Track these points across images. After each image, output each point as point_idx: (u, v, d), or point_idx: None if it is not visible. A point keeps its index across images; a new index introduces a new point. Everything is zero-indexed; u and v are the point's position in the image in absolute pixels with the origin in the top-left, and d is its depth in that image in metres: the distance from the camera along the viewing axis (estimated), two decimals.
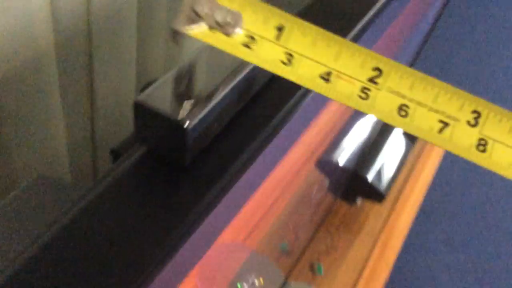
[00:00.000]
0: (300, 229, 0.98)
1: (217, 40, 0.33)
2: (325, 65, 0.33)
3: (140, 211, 0.31)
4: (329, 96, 0.32)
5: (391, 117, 0.32)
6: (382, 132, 1.11)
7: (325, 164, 0.91)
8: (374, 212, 1.12)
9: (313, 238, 1.06)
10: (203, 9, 0.34)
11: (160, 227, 0.29)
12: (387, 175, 1.05)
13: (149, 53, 1.02)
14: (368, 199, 1.08)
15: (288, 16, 0.34)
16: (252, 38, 0.33)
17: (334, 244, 1.08)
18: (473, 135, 0.31)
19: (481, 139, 0.31)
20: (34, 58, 0.74)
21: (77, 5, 0.77)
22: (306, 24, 0.34)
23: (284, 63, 0.33)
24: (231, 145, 0.36)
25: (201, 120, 0.32)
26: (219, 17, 0.34)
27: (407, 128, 0.32)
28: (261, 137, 0.39)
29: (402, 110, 0.32)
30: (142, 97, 0.33)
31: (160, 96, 0.33)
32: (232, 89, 0.35)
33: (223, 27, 0.33)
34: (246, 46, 0.33)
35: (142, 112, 0.32)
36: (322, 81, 0.32)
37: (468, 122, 0.31)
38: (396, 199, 1.10)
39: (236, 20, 0.34)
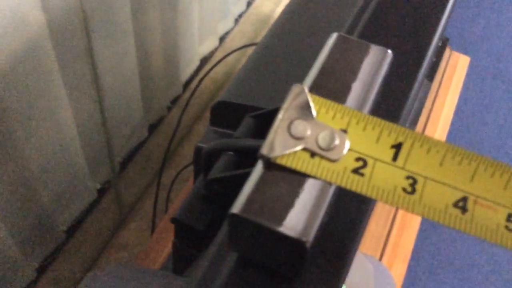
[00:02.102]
0: None
1: (320, 168, 0.27)
2: (459, 189, 0.26)
3: None
4: (468, 231, 0.26)
5: None
6: None
7: None
8: None
9: None
10: (303, 131, 0.27)
11: None
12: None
13: (145, 22, 0.92)
14: None
15: (406, 130, 0.27)
16: (364, 161, 0.27)
17: None
18: None
19: None
20: (29, 45, 0.67)
21: None
22: (429, 138, 0.27)
23: (406, 191, 0.27)
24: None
25: (315, 232, 0.27)
26: (323, 140, 0.27)
27: None
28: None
29: None
30: (240, 210, 0.26)
31: (262, 207, 0.27)
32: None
33: (328, 151, 0.27)
34: (357, 172, 0.27)
35: (242, 225, 0.26)
36: (457, 210, 0.26)
37: None
38: None
39: (344, 141, 0.27)
